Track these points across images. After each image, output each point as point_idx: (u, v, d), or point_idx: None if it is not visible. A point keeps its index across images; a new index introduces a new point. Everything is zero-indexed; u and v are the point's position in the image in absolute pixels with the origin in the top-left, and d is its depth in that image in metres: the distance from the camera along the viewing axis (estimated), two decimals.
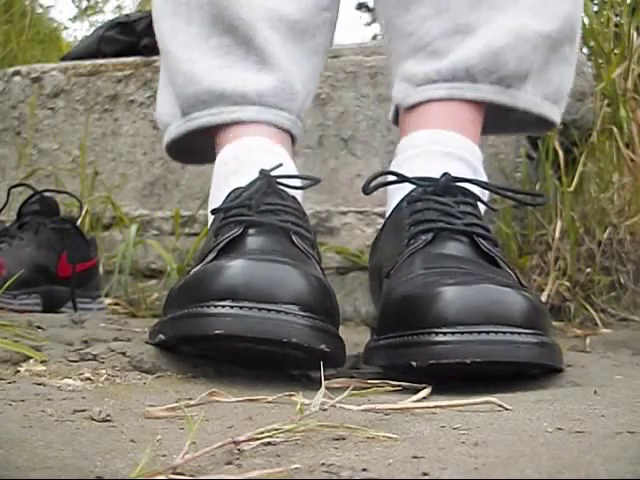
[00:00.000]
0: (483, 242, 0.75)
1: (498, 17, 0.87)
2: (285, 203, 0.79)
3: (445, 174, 0.79)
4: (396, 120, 0.95)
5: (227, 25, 0.90)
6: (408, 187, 0.81)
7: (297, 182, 0.84)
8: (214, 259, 0.73)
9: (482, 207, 0.81)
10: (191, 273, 0.72)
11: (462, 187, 0.79)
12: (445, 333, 0.62)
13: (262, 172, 0.81)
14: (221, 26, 0.90)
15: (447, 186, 0.79)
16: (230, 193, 0.81)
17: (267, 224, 0.75)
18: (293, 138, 0.93)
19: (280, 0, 0.91)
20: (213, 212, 0.80)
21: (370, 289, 0.90)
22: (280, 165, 0.83)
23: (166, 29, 0.96)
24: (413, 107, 0.89)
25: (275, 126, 0.90)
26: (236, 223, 0.76)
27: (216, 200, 0.84)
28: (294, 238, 0.75)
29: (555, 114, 0.92)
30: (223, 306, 0.63)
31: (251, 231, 0.75)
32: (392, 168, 0.86)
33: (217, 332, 0.63)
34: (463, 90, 0.87)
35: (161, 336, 0.69)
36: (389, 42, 0.94)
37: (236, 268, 0.65)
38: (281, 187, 0.81)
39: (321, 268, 0.77)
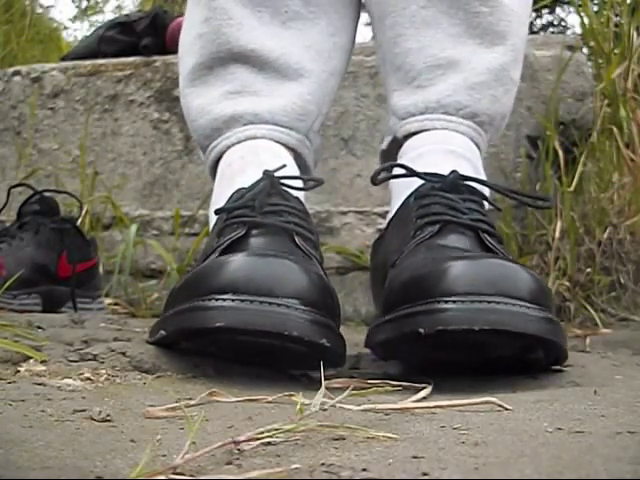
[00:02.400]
0: (488, 238, 0.75)
1: (482, 53, 0.89)
2: (288, 204, 0.79)
3: (453, 171, 0.80)
4: (384, 152, 0.96)
5: (235, 55, 0.90)
6: (415, 184, 0.81)
7: (301, 183, 0.84)
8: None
9: (486, 206, 0.82)
10: (192, 271, 0.72)
11: (469, 185, 0.80)
12: (455, 301, 0.62)
13: (266, 173, 0.81)
14: (226, 55, 0.91)
15: (455, 183, 0.79)
16: (233, 193, 0.82)
17: (270, 225, 0.75)
18: (298, 155, 0.93)
19: (287, 31, 0.92)
20: (217, 212, 0.80)
21: (371, 286, 0.90)
22: (284, 166, 0.83)
23: (179, 67, 0.97)
24: (404, 137, 0.91)
25: (285, 145, 0.90)
26: (239, 224, 0.76)
27: (220, 200, 0.84)
28: (297, 239, 0.75)
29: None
30: (224, 299, 0.63)
31: (254, 232, 0.75)
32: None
33: (218, 325, 0.63)
34: (434, 122, 0.88)
35: (162, 332, 0.69)
36: (384, 75, 0.96)
37: (237, 263, 0.65)
38: (284, 188, 0.81)
39: (323, 269, 0.77)
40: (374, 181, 0.82)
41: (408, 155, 0.88)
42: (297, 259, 0.68)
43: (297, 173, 0.88)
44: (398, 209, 0.83)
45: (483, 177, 0.86)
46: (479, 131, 0.89)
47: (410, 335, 0.64)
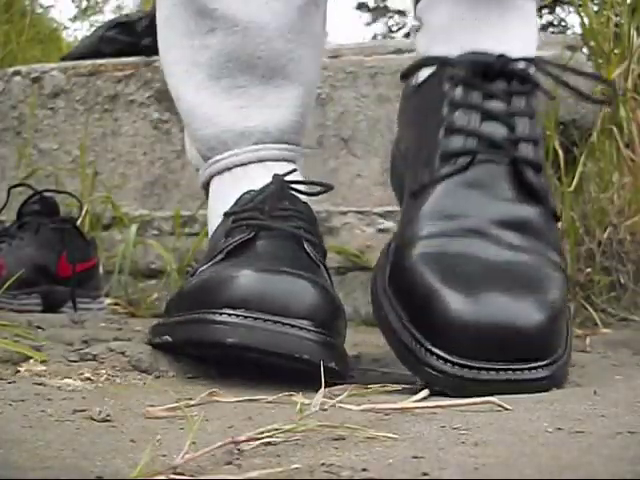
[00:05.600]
0: (527, 173, 0.70)
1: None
2: (298, 209, 0.79)
3: (501, 56, 0.71)
4: None
5: (242, 64, 0.87)
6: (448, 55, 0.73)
7: (308, 188, 0.84)
8: (223, 260, 0.73)
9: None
10: (201, 277, 0.71)
11: (519, 71, 0.71)
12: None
13: (275, 177, 0.81)
14: (234, 66, 0.88)
15: (501, 71, 0.71)
16: (243, 195, 0.81)
17: (279, 229, 0.75)
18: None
19: (282, 7, 0.87)
20: (226, 214, 0.79)
21: (391, 182, 0.86)
22: (294, 170, 0.82)
23: (175, 75, 0.93)
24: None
25: (293, 162, 0.88)
26: (248, 226, 0.75)
27: (224, 201, 0.83)
28: (305, 245, 0.75)
29: None
30: (237, 315, 0.63)
31: (262, 235, 0.75)
32: (419, 13, 0.79)
33: (230, 341, 0.63)
34: None
35: (167, 338, 0.69)
36: None
37: (251, 277, 0.65)
38: (293, 192, 0.80)
39: (330, 279, 0.77)
40: (404, 76, 0.75)
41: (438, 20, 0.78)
42: (309, 275, 0.68)
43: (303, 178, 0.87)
44: (425, 81, 0.75)
45: (535, 34, 0.77)
46: None
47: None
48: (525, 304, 0.61)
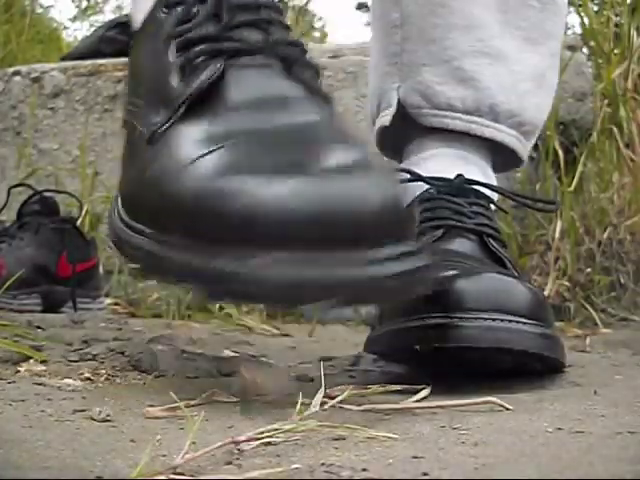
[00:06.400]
0: (492, 242, 0.75)
1: (528, 52, 0.85)
2: None
3: (459, 175, 0.79)
4: (386, 128, 0.90)
5: None
6: (420, 188, 0.80)
7: None
8: (184, 117, 0.57)
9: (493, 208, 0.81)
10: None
11: (475, 189, 0.79)
12: (451, 317, 0.62)
13: None
14: None
15: (460, 187, 0.78)
16: None
17: (250, 56, 0.58)
18: None
19: None
20: (177, 37, 0.59)
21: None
22: None
23: None
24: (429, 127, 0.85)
25: None
26: (211, 55, 0.57)
27: None
28: (293, 68, 0.60)
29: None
30: None
31: (234, 67, 0.57)
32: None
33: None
34: (482, 128, 0.84)
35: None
36: (403, 40, 0.86)
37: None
38: None
39: (327, 99, 0.62)
40: None
41: (418, 155, 0.85)
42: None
43: None
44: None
45: (493, 181, 0.86)
46: (523, 141, 0.86)
47: (406, 350, 0.64)
48: None
